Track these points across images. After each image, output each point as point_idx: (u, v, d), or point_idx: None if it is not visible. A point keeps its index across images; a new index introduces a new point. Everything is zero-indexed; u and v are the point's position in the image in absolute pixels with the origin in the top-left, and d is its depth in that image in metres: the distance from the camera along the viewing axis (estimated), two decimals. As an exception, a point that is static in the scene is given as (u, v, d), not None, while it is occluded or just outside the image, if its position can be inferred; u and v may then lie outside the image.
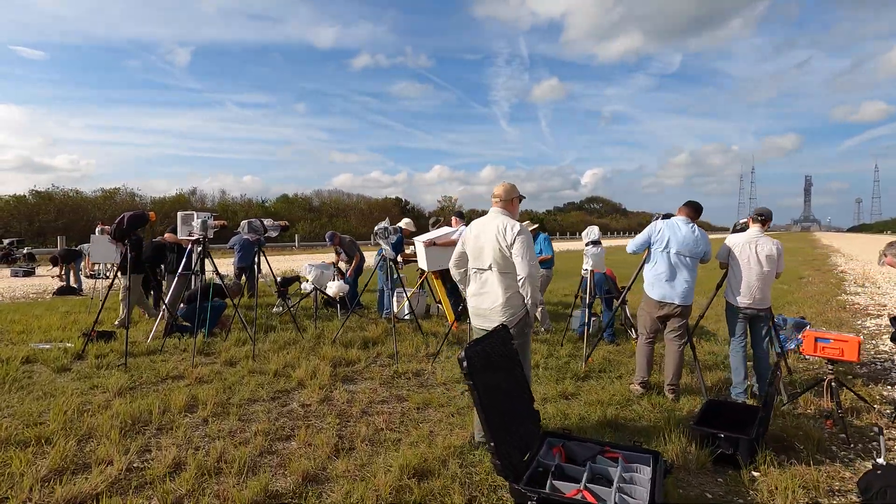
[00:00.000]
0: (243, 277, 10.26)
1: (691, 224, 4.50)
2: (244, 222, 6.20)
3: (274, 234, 6.43)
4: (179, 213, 6.49)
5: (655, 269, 4.50)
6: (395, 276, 7.32)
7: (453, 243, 7.71)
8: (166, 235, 7.22)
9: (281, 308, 8.84)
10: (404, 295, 7.93)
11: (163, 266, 8.35)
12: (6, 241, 22.51)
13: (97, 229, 8.19)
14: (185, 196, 45.95)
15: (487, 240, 3.36)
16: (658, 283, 4.47)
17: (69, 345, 6.08)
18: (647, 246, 4.61)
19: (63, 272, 11.73)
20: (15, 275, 15.58)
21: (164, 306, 6.66)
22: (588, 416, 4.04)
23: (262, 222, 6.23)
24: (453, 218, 7.89)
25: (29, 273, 15.84)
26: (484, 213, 3.67)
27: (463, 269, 3.66)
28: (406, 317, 7.79)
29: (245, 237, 6.11)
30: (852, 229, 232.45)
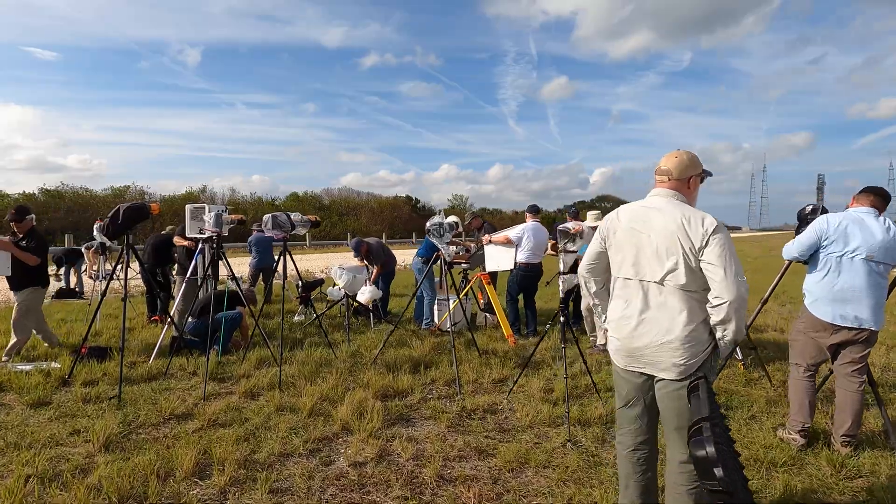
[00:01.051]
0: (259, 281, 9.18)
1: (883, 217, 3.30)
2: (267, 216, 5.08)
3: (303, 230, 5.33)
4: (188, 206, 5.40)
5: (829, 280, 3.30)
6: (447, 280, 6.16)
7: (508, 241, 6.60)
8: (175, 239, 6.14)
9: (303, 316, 7.73)
10: (446, 303, 6.77)
11: (168, 267, 7.28)
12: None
13: (96, 225, 7.13)
14: (195, 194, 45.18)
15: (659, 237, 2.18)
16: (833, 300, 3.28)
17: (55, 365, 5.00)
18: (815, 249, 3.41)
19: (62, 273, 10.73)
20: (16, 275, 14.63)
21: (169, 317, 5.57)
22: (753, 485, 2.85)
23: (288, 217, 5.11)
24: (527, 214, 6.80)
25: (30, 273, 14.90)
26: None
27: (601, 279, 2.50)
28: (450, 328, 6.64)
29: (269, 234, 4.98)
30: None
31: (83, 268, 11.26)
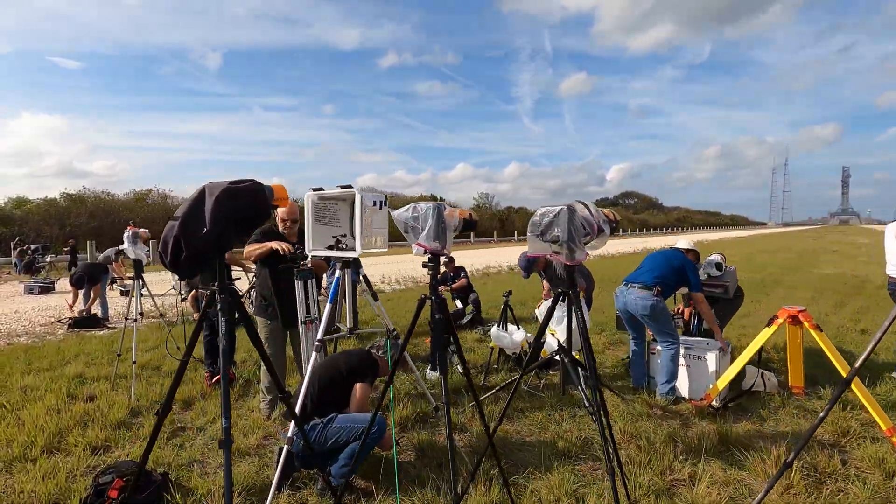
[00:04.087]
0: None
1: None
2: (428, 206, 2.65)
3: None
4: (310, 195, 2.97)
5: None
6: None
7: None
8: (245, 251, 3.73)
9: (435, 373, 5.26)
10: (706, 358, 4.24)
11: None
12: (31, 248, 19.76)
13: (128, 233, 4.81)
14: (219, 196, 43.48)
15: None
16: None
17: None
18: None
19: (82, 294, 8.47)
20: (29, 291, 12.52)
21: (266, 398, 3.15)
22: None
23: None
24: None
25: (46, 289, 12.78)
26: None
27: None
28: (720, 402, 4.03)
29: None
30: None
31: (108, 283, 9.03)
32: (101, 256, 10.22)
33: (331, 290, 2.92)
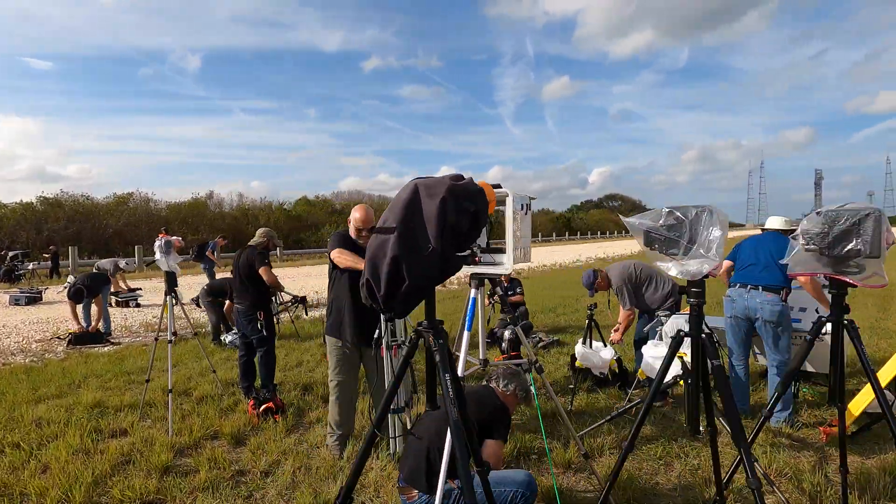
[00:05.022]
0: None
1: None
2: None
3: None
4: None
5: None
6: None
7: None
8: (336, 256, 3.21)
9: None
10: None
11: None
12: (9, 254, 18.59)
13: (160, 241, 4.17)
14: (202, 200, 42.23)
15: None
16: None
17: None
18: None
19: (82, 309, 7.70)
20: (15, 302, 11.59)
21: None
22: None
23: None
24: None
25: (34, 299, 11.86)
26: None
27: None
28: None
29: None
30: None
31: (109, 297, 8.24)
32: (105, 262, 9.42)
33: (467, 312, 2.37)
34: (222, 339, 6.87)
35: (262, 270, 4.43)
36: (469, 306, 2.42)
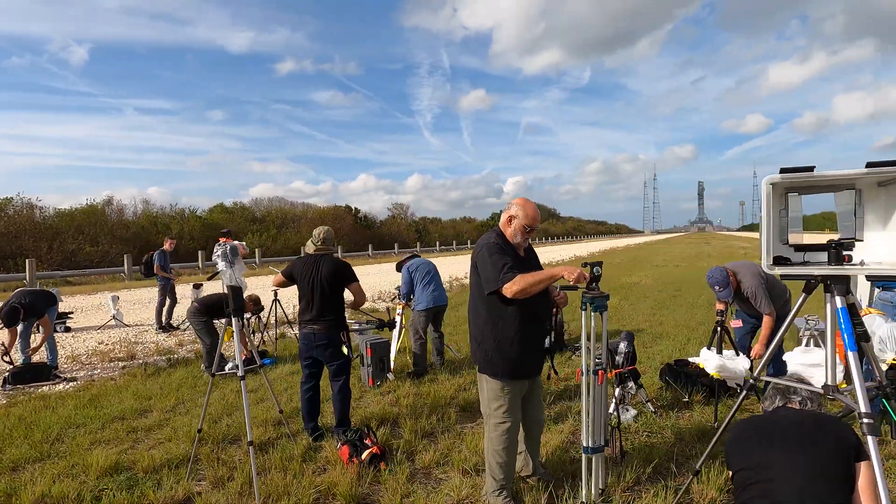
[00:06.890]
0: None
1: None
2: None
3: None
4: (794, 178, 1.85)
5: None
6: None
7: None
8: (354, 288, 2.55)
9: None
10: None
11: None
12: None
13: (223, 247, 3.17)
14: (98, 207, 37.12)
15: None
16: None
17: None
18: None
19: (20, 338, 5.98)
20: None
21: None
22: None
23: None
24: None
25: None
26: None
27: None
28: None
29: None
30: (742, 228, 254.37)
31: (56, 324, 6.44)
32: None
33: (843, 326, 1.80)
34: (226, 367, 5.68)
35: (355, 287, 3.59)
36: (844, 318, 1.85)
